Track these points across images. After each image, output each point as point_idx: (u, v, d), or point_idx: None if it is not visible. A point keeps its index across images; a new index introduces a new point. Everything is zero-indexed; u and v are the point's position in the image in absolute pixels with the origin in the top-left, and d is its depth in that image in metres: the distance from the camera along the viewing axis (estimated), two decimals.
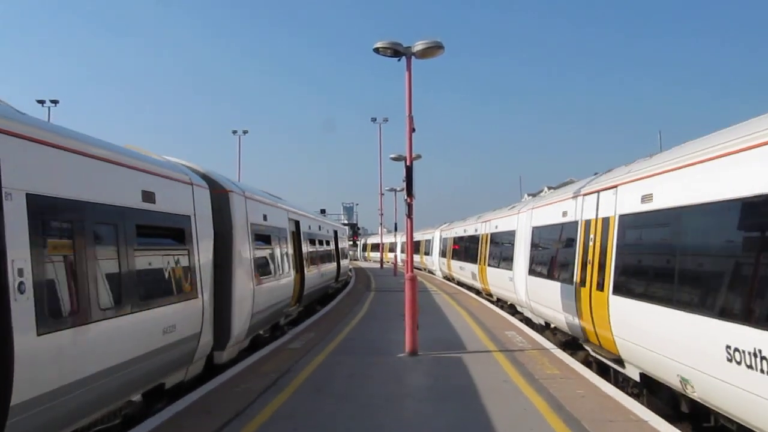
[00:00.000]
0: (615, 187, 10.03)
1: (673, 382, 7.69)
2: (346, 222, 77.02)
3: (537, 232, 15.50)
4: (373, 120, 49.43)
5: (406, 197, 12.76)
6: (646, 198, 8.62)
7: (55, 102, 39.45)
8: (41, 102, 38.73)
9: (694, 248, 7.49)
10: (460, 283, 32.25)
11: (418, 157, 20.73)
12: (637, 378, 9.24)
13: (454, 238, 33.44)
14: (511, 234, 19.04)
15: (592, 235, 10.92)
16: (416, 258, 47.43)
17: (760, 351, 5.61)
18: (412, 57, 12.41)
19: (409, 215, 12.83)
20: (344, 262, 34.34)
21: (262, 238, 13.97)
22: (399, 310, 15.38)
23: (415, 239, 44.67)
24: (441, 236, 39.94)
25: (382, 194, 52.01)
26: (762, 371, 5.57)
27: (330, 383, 9.55)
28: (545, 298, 13.94)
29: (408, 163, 12.62)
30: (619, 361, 9.79)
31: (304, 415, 7.80)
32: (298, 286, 18.15)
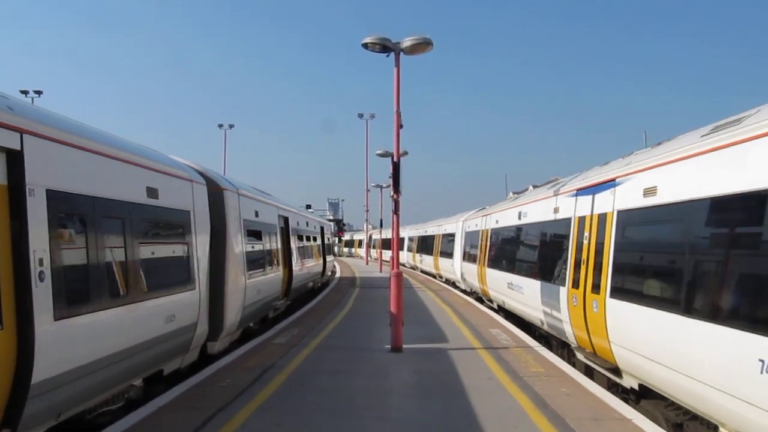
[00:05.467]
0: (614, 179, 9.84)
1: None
2: (331, 218, 77.02)
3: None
4: (360, 116, 49.30)
5: (392, 193, 12.74)
6: (649, 192, 8.51)
7: (38, 92, 38.85)
8: (24, 92, 38.08)
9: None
10: None
11: (405, 153, 20.73)
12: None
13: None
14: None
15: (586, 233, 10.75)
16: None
17: None
18: (401, 53, 12.38)
19: (396, 211, 12.83)
20: (330, 260, 33.59)
21: (254, 233, 14.15)
22: (384, 306, 15.37)
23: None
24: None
25: (368, 190, 51.95)
26: None
27: (314, 378, 9.51)
28: None
29: (395, 160, 12.60)
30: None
31: (288, 411, 7.76)
32: (286, 282, 18.01)
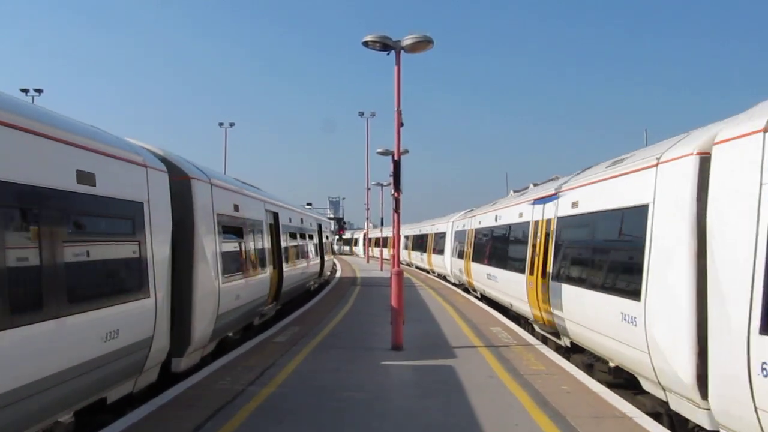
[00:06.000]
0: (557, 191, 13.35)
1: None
2: (332, 216, 77.01)
3: None
4: (361, 114, 49.30)
5: (393, 192, 12.74)
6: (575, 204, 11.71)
7: (39, 91, 38.85)
8: (25, 91, 38.07)
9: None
10: None
11: (406, 152, 20.73)
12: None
13: None
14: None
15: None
16: None
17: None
18: (401, 51, 12.37)
19: (397, 210, 12.83)
20: (327, 259, 30.94)
21: (232, 230, 12.34)
22: (385, 305, 15.36)
23: None
24: None
25: (368, 189, 51.97)
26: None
27: (315, 377, 9.51)
28: None
29: (396, 158, 12.60)
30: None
31: (289, 409, 7.76)
32: (275, 284, 16.57)
